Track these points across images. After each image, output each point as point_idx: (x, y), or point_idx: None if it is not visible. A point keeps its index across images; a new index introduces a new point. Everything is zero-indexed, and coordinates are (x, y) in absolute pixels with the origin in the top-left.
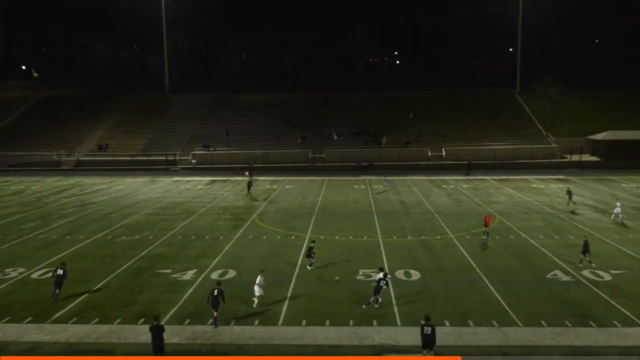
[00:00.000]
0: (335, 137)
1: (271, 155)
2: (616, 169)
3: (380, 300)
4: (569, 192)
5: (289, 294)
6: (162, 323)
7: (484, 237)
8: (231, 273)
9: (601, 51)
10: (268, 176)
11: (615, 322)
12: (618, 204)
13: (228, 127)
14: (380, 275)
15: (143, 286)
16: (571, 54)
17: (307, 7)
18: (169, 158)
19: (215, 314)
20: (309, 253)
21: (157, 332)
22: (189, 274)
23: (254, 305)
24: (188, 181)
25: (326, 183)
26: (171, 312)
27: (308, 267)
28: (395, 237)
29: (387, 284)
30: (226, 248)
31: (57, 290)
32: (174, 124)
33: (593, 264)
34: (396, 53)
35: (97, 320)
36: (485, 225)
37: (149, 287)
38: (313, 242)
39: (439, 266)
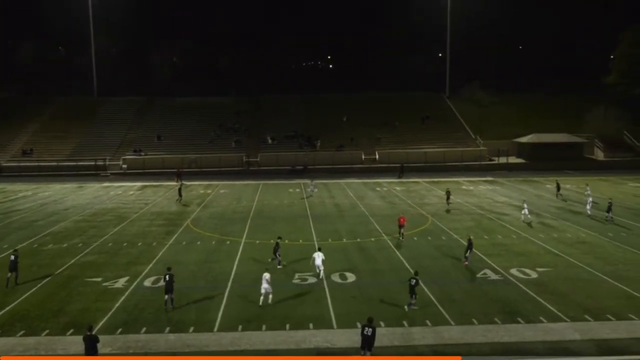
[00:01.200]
0: (270, 141)
1: (205, 160)
2: (540, 170)
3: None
4: (448, 192)
5: (224, 300)
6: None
7: (400, 238)
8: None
9: (527, 57)
10: (202, 181)
11: (541, 318)
12: (525, 205)
13: (160, 131)
14: (413, 282)
15: (72, 296)
16: (498, 60)
17: (241, 10)
18: (98, 163)
19: (166, 297)
20: (276, 250)
21: (90, 342)
22: (120, 282)
23: (269, 302)
24: (119, 187)
25: (261, 187)
26: (102, 322)
27: (278, 266)
28: (330, 240)
29: (417, 282)
30: (159, 254)
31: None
32: (103, 127)
33: (466, 262)
34: (329, 57)
35: (22, 332)
36: (400, 226)
37: (79, 296)
38: (279, 238)
39: (373, 268)
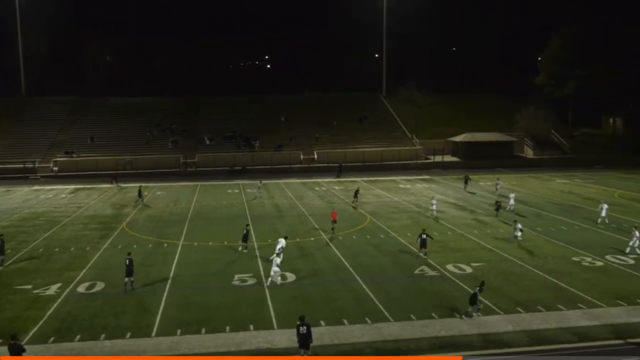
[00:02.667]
0: (208, 142)
1: (141, 161)
2: (474, 168)
3: (480, 307)
4: (357, 192)
5: (162, 303)
6: (21, 342)
7: (332, 234)
8: (100, 285)
9: (461, 59)
10: (138, 182)
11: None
12: (434, 201)
13: (93, 132)
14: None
15: (1, 304)
16: (433, 61)
17: (177, 8)
18: (27, 166)
19: (126, 279)
20: (245, 237)
21: (15, 351)
22: (52, 289)
23: (278, 283)
24: (50, 190)
25: (199, 188)
26: (33, 331)
27: (244, 250)
28: (270, 241)
29: (480, 290)
30: (94, 259)
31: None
32: (32, 129)
33: (421, 254)
34: (267, 57)
35: None
36: (332, 221)
37: (8, 305)
38: (247, 225)
39: (313, 267)
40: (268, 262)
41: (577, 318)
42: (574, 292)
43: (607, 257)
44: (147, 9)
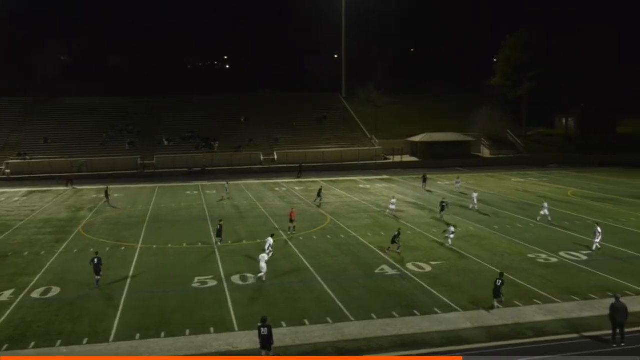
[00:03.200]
0: (166, 143)
1: (97, 163)
2: (432, 168)
3: (502, 300)
4: (320, 191)
5: (120, 308)
6: None
7: (290, 232)
8: (55, 290)
9: (419, 60)
10: (94, 185)
11: (436, 309)
12: (394, 200)
13: (47, 134)
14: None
15: None
16: (392, 62)
17: (133, 7)
18: None
19: (97, 277)
20: (219, 232)
21: None
22: (5, 295)
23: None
24: (1, 193)
25: (157, 190)
26: None
27: (219, 244)
28: (230, 242)
29: (502, 283)
30: (48, 264)
31: None
32: None
33: (398, 251)
34: (226, 57)
35: None
36: (291, 220)
37: None
38: (221, 221)
39: (274, 268)
40: (228, 264)
41: (533, 313)
42: (530, 288)
43: (561, 253)
44: (102, 8)
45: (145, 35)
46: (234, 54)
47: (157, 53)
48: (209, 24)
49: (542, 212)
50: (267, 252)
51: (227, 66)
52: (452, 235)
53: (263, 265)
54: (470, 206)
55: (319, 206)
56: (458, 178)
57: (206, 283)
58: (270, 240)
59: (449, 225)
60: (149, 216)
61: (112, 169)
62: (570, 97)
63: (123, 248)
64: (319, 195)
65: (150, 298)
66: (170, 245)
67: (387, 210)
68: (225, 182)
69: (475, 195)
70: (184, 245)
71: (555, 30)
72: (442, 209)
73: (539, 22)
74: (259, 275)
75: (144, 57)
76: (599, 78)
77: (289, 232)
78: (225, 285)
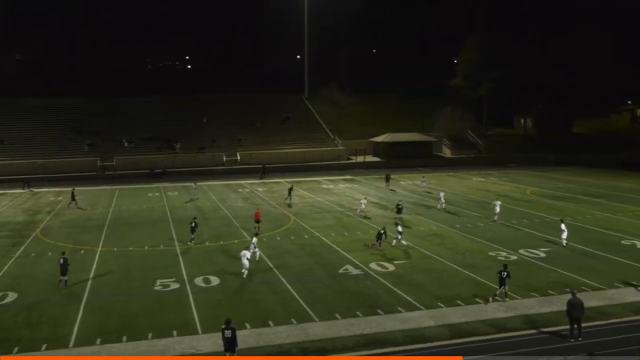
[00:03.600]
0: (126, 144)
1: (55, 165)
2: (395, 168)
3: (507, 290)
4: (290, 190)
5: (80, 312)
6: None
7: (256, 232)
8: (12, 295)
9: (381, 60)
10: (52, 187)
11: (399, 308)
12: (364, 200)
13: (3, 135)
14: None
15: None
16: (354, 62)
17: (91, 5)
18: None
19: (63, 278)
20: (193, 229)
21: None
22: None
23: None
24: None
25: (118, 192)
26: None
27: (191, 242)
28: (193, 244)
29: (508, 275)
30: (5, 268)
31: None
32: None
33: (380, 247)
34: (187, 57)
35: None
36: (257, 221)
37: None
38: (195, 218)
39: (238, 270)
40: (191, 266)
41: (494, 310)
42: (490, 285)
43: (521, 251)
44: (60, 6)
45: (104, 34)
46: (196, 54)
47: (116, 52)
48: (170, 23)
49: (496, 211)
50: (252, 252)
51: (189, 66)
52: (400, 236)
53: (245, 262)
54: (439, 206)
55: (289, 205)
56: (423, 177)
57: (169, 286)
58: (255, 240)
59: (397, 224)
60: (109, 219)
61: (70, 171)
62: (529, 98)
63: (82, 251)
64: (289, 194)
65: (111, 302)
66: (131, 248)
67: (358, 210)
68: (192, 183)
69: (442, 194)
70: (146, 247)
71: (514, 31)
72: (399, 211)
73: (499, 23)
74: (245, 270)
75: (103, 56)
76: (554, 79)
77: (256, 233)
78: (188, 288)
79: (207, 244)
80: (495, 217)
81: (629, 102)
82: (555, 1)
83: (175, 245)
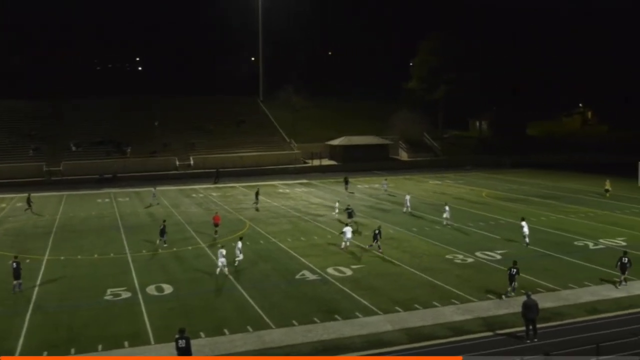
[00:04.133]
0: (74, 148)
1: None
2: (352, 172)
3: (516, 286)
4: (257, 194)
5: (25, 325)
6: None
7: (215, 236)
8: None
9: (337, 63)
10: None
11: (357, 314)
12: (337, 204)
13: None
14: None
15: None
16: (310, 65)
17: (37, 4)
18: None
19: (15, 282)
20: (162, 232)
21: None
22: None
23: (226, 273)
24: None
25: (65, 198)
26: None
27: (164, 244)
28: (144, 252)
29: (517, 272)
30: None
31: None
32: None
33: (374, 247)
34: (138, 59)
35: None
36: (215, 225)
37: None
38: (164, 220)
39: (192, 277)
40: (142, 274)
41: (451, 313)
42: (448, 288)
43: (477, 253)
44: (4, 4)
45: (51, 33)
46: (147, 55)
47: (63, 53)
48: (120, 23)
49: (445, 215)
50: (237, 257)
51: (140, 68)
52: (349, 236)
53: (222, 260)
54: (404, 209)
55: (257, 209)
56: (385, 180)
57: (119, 295)
58: (239, 244)
59: (345, 225)
60: (57, 226)
61: (13, 177)
62: (483, 100)
63: (28, 260)
64: (256, 197)
65: (58, 313)
66: (80, 257)
67: (334, 214)
68: (152, 188)
69: (408, 197)
70: (95, 255)
71: (468, 34)
72: (349, 215)
73: (453, 26)
74: (221, 268)
75: (49, 56)
76: (508, 81)
77: (215, 237)
78: (140, 297)
79: (159, 251)
80: (445, 222)
81: (580, 105)
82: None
83: (126, 252)
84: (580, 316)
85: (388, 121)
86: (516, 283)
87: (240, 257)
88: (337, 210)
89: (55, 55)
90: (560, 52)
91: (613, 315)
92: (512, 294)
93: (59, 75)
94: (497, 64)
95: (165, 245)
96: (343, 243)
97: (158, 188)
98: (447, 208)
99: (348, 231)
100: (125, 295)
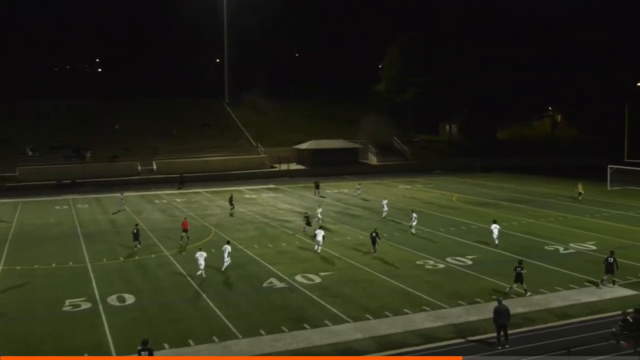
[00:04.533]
0: (30, 153)
1: None
2: (320, 176)
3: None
4: (231, 198)
5: None
6: None
7: (182, 242)
8: None
9: (304, 65)
10: None
11: (326, 322)
12: (319, 209)
13: None
14: (610, 259)
15: None
16: (277, 67)
17: None
18: None
19: None
20: (136, 236)
21: None
22: None
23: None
24: None
25: (21, 205)
26: None
27: (137, 247)
28: (105, 260)
29: (522, 269)
30: None
31: None
32: None
33: (375, 253)
34: (97, 60)
35: None
36: (184, 230)
37: None
38: (137, 224)
39: (155, 286)
40: (103, 284)
41: (422, 320)
42: (418, 295)
43: (448, 259)
44: None
45: (4, 34)
46: (108, 57)
47: (19, 54)
48: (79, 24)
49: (412, 223)
50: (225, 261)
51: (100, 69)
52: (319, 239)
53: (201, 262)
54: (384, 214)
55: (231, 214)
56: (359, 185)
57: (79, 306)
58: (228, 248)
59: (306, 225)
60: (12, 234)
61: None
62: (453, 104)
63: None
64: (230, 203)
65: (13, 326)
66: (36, 266)
67: (316, 219)
68: (120, 194)
69: (385, 202)
70: (53, 265)
71: (437, 36)
72: (307, 223)
73: (422, 27)
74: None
75: (3, 57)
76: (478, 85)
77: (182, 242)
78: (101, 307)
79: (121, 259)
80: (413, 230)
81: (550, 108)
82: (476, 6)
83: (86, 261)
84: (552, 321)
85: (357, 125)
86: (524, 281)
87: (228, 260)
88: (319, 216)
89: (7, 55)
90: (530, 54)
91: (584, 319)
92: (523, 290)
93: (11, 76)
94: (466, 66)
95: (139, 247)
96: (316, 246)
97: (118, 194)
98: (414, 215)
99: (319, 234)
100: (85, 306)
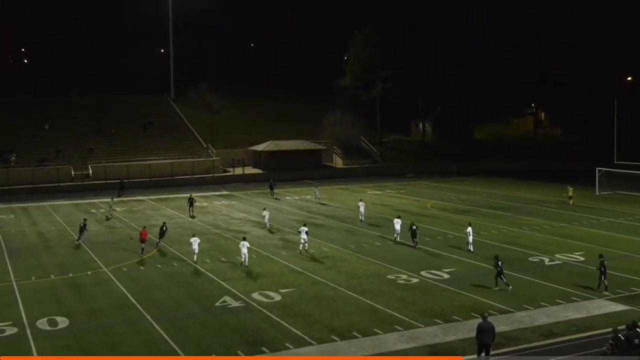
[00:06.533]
0: None
1: None
2: (279, 181)
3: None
4: (190, 199)
5: None
6: None
7: (143, 255)
8: None
9: (258, 60)
10: None
11: (287, 344)
12: (266, 212)
13: None
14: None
15: None
16: (227, 62)
17: None
18: None
19: None
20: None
21: None
22: None
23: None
24: None
25: None
26: None
27: (79, 241)
28: (34, 278)
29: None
30: None
31: None
32: None
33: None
34: (23, 50)
35: None
36: (142, 240)
37: None
38: (85, 219)
39: (92, 308)
40: (31, 305)
41: (394, 341)
42: (390, 313)
43: (423, 273)
44: None
45: None
46: (36, 47)
47: None
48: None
49: (397, 229)
50: (242, 257)
51: (25, 61)
52: (304, 237)
53: (195, 247)
54: (361, 218)
55: (192, 217)
56: (317, 187)
57: (4, 331)
58: (247, 244)
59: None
60: None
61: None
62: (426, 101)
63: None
64: (191, 205)
65: None
66: None
67: (267, 225)
68: (110, 198)
69: (361, 205)
70: None
71: (406, 26)
72: (162, 234)
73: (387, 18)
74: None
75: None
76: (452, 80)
77: (142, 255)
78: (29, 332)
79: (52, 277)
80: (396, 236)
81: (532, 105)
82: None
83: (11, 280)
84: (536, 340)
85: (321, 124)
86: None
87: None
88: (266, 219)
89: None
90: (509, 47)
91: (572, 338)
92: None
93: None
94: (438, 59)
95: (80, 241)
96: (301, 245)
97: (49, 203)
98: (399, 221)
99: (303, 231)
100: (11, 331)
